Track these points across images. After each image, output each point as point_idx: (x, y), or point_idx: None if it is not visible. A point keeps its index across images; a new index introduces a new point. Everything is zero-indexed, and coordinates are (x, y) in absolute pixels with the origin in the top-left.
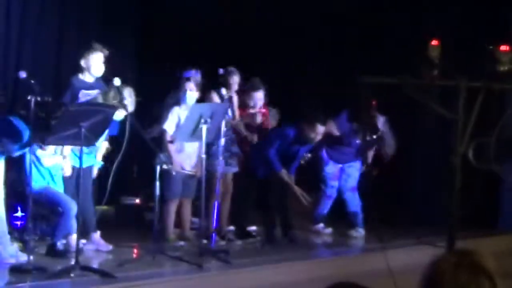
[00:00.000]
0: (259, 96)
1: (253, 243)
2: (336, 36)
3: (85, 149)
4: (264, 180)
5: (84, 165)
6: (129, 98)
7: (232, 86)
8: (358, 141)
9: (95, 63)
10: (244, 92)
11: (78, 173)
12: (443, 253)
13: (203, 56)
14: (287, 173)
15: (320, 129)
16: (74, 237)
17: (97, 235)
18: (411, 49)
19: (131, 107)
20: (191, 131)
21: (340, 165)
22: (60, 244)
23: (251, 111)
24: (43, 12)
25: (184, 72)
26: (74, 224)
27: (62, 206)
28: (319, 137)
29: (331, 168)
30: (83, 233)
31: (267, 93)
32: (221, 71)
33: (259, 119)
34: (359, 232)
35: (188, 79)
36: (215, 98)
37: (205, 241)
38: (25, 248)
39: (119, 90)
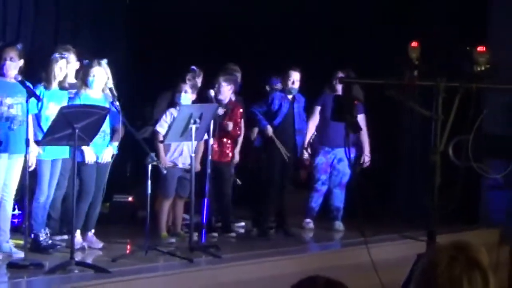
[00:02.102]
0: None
1: (243, 237)
2: (324, 37)
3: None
4: (260, 177)
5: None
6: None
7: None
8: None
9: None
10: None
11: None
12: (434, 246)
13: (195, 57)
14: (271, 129)
15: (294, 74)
16: (78, 233)
17: (91, 233)
18: (393, 50)
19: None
20: (181, 132)
21: (331, 155)
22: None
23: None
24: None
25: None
26: (81, 220)
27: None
28: (297, 84)
29: (321, 159)
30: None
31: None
32: (193, 68)
33: (230, 127)
34: (339, 226)
35: (184, 81)
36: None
37: (195, 237)
38: (21, 244)
39: (111, 92)
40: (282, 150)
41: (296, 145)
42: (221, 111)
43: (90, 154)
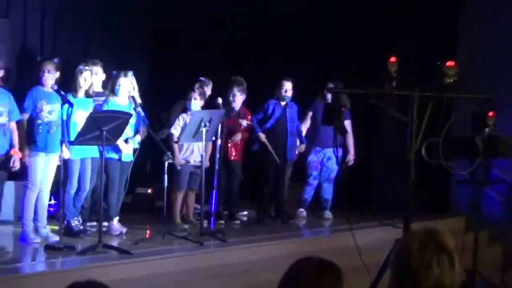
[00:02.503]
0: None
1: (246, 224)
2: (316, 52)
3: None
4: (262, 173)
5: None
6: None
7: (207, 93)
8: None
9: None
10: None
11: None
12: (409, 232)
13: (207, 68)
14: (263, 136)
15: (287, 84)
16: (115, 220)
17: (116, 219)
18: (375, 63)
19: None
20: (193, 134)
21: (321, 154)
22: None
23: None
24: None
25: (195, 82)
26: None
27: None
28: (289, 92)
29: (313, 157)
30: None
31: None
32: (201, 79)
33: (244, 123)
34: (328, 215)
35: (193, 90)
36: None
37: (205, 224)
38: (57, 230)
39: (135, 99)
40: (273, 153)
41: (286, 144)
42: (244, 122)
43: (124, 147)
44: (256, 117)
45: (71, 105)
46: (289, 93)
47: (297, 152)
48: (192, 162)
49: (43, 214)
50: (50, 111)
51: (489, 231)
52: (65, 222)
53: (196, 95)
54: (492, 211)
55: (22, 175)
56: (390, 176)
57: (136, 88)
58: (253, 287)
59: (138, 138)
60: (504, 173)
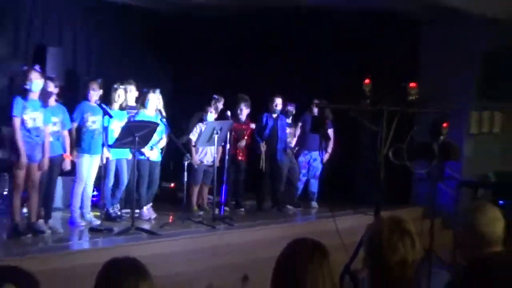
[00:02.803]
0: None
1: (249, 212)
2: (304, 74)
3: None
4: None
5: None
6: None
7: (219, 107)
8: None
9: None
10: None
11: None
12: (379, 219)
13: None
14: (264, 144)
15: (277, 100)
16: (145, 208)
17: (145, 207)
18: (352, 84)
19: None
20: (207, 139)
21: (308, 156)
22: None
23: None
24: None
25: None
26: (143, 199)
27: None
28: (279, 107)
29: (302, 159)
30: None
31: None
32: (215, 96)
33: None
34: (314, 205)
35: (213, 104)
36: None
37: (216, 211)
38: (99, 215)
39: (161, 112)
40: (262, 162)
41: (278, 149)
42: (253, 125)
43: (149, 153)
44: (257, 129)
45: (110, 116)
46: (279, 107)
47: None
48: (205, 162)
49: (88, 203)
50: (94, 121)
51: (442, 218)
52: (105, 209)
53: (211, 109)
54: (444, 202)
55: (69, 172)
56: (364, 174)
57: (162, 102)
58: (254, 261)
59: (162, 144)
60: (454, 172)
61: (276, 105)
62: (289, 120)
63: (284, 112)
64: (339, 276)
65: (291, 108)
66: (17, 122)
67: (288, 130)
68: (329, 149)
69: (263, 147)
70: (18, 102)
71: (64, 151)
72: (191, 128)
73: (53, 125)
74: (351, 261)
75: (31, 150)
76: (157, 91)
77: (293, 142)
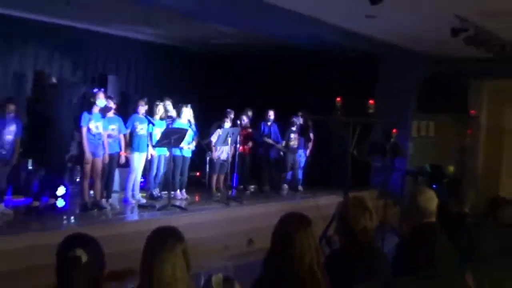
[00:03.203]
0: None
1: (253, 193)
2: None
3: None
4: (261, 162)
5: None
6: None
7: (229, 117)
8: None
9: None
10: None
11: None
12: (347, 198)
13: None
14: (269, 137)
15: (270, 112)
16: (179, 191)
17: (179, 190)
18: (328, 102)
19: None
20: (223, 141)
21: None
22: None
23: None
24: (154, 81)
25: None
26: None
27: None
28: (272, 117)
29: (289, 156)
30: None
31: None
32: (228, 110)
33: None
34: (300, 188)
35: (227, 116)
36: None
37: (229, 193)
38: (145, 196)
39: (190, 121)
40: (275, 144)
41: (270, 149)
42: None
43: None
44: (257, 133)
45: (153, 124)
46: (272, 117)
47: (281, 153)
48: (221, 158)
49: (137, 186)
50: (142, 128)
51: (392, 198)
52: (149, 191)
53: (227, 120)
54: (394, 187)
55: (123, 165)
56: (336, 166)
57: (192, 114)
58: (257, 229)
59: (192, 145)
60: (401, 165)
61: (269, 116)
62: (294, 128)
63: (290, 123)
64: (319, 239)
65: (296, 119)
66: (84, 130)
67: (292, 135)
68: (310, 147)
69: (266, 139)
70: (85, 115)
71: (120, 149)
72: (211, 132)
73: (112, 130)
74: (327, 229)
75: (95, 149)
76: (189, 106)
77: (296, 144)
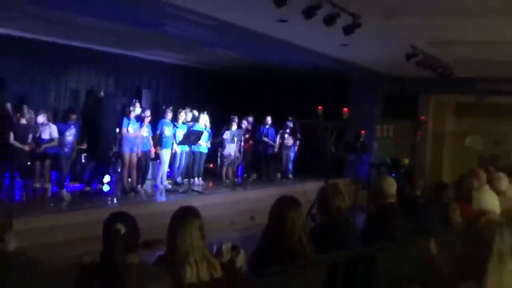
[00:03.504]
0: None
1: (255, 180)
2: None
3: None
4: (260, 156)
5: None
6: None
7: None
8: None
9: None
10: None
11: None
12: (326, 184)
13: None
14: (266, 137)
15: (268, 118)
16: (196, 178)
17: (197, 178)
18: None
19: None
20: (230, 140)
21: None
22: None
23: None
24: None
25: (231, 118)
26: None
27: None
28: (269, 122)
29: (284, 152)
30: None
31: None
32: (232, 116)
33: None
34: (290, 177)
35: (233, 121)
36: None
37: (236, 179)
38: (170, 182)
39: (205, 125)
40: (270, 142)
41: (268, 147)
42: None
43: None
44: (258, 134)
45: (177, 127)
46: (269, 122)
47: (275, 150)
48: (230, 153)
49: (165, 175)
50: (168, 130)
51: (362, 184)
52: (174, 179)
53: (234, 123)
54: (363, 175)
55: (154, 159)
56: (318, 159)
57: (208, 119)
58: (258, 208)
59: (208, 143)
60: (368, 159)
61: (267, 121)
62: (287, 130)
63: (284, 126)
64: (305, 216)
65: (289, 123)
66: (124, 131)
67: (286, 136)
68: (298, 145)
69: (265, 139)
70: (125, 120)
71: (151, 147)
72: (222, 133)
73: (145, 132)
74: (311, 208)
75: (132, 146)
76: (205, 113)
77: (290, 143)
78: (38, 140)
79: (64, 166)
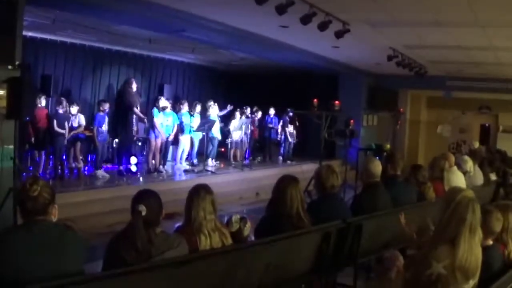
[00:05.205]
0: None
1: (260, 161)
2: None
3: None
4: (265, 141)
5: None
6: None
7: (244, 112)
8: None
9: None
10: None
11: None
12: (321, 165)
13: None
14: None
15: (271, 110)
16: (209, 160)
17: (210, 160)
18: (308, 100)
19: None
20: (239, 128)
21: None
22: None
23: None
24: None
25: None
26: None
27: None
28: (272, 113)
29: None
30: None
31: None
32: (243, 108)
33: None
34: (290, 159)
35: (242, 112)
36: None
37: (244, 161)
38: (188, 164)
39: (218, 115)
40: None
41: (271, 133)
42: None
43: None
44: (264, 123)
45: (193, 117)
46: (273, 112)
47: (278, 136)
48: (238, 138)
49: (183, 157)
50: (186, 119)
51: (351, 165)
52: (191, 161)
53: (243, 114)
54: (352, 158)
55: (175, 143)
56: (314, 144)
57: (219, 110)
58: (263, 185)
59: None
60: (356, 144)
61: (271, 112)
62: (288, 119)
63: (285, 116)
64: (303, 192)
65: (289, 114)
66: (154, 119)
67: (288, 124)
68: (296, 131)
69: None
70: (154, 111)
71: (172, 133)
72: (231, 121)
73: (167, 121)
74: (308, 185)
75: (158, 133)
76: (216, 104)
77: (292, 130)
78: (71, 127)
79: (99, 150)
